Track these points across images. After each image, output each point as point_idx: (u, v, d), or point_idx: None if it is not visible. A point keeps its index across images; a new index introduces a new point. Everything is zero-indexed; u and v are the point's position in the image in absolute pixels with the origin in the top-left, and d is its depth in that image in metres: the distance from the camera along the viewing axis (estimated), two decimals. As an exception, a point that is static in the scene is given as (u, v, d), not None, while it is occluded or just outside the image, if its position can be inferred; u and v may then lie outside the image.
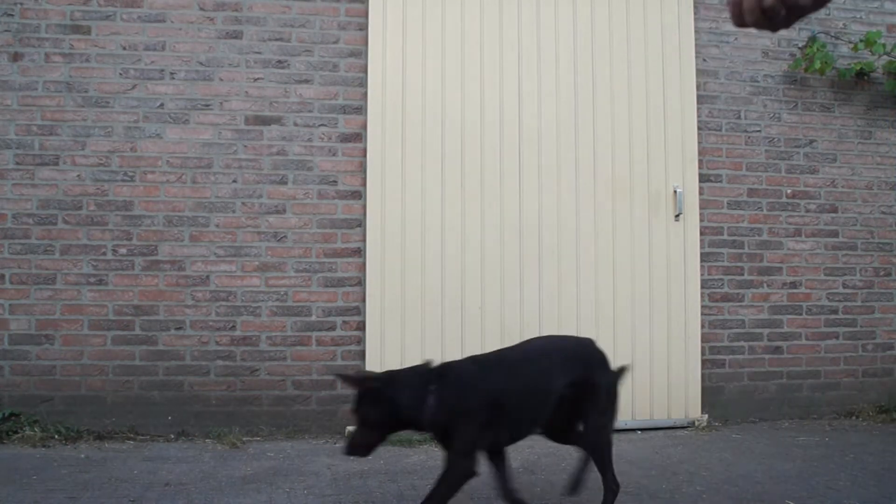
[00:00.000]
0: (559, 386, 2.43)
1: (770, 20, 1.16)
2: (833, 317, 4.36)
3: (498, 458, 2.50)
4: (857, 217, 4.43)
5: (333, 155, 3.91)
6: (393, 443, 3.59)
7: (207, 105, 3.83)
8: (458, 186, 3.95)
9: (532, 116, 4.03)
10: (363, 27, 3.94)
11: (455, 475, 2.27)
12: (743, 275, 4.26)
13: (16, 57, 3.71)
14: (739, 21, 1.19)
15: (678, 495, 2.79)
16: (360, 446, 2.27)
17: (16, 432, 3.51)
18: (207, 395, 3.75)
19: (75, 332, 3.68)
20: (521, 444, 3.65)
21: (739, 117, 4.30)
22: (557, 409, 2.44)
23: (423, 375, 2.32)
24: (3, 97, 3.70)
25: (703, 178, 4.21)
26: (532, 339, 2.80)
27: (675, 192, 4.09)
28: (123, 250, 3.73)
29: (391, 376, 2.35)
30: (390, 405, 2.22)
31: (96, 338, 3.69)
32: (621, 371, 2.61)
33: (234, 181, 3.83)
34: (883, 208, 4.47)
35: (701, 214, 4.19)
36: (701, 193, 4.20)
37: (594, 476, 2.47)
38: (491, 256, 3.95)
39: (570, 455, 3.43)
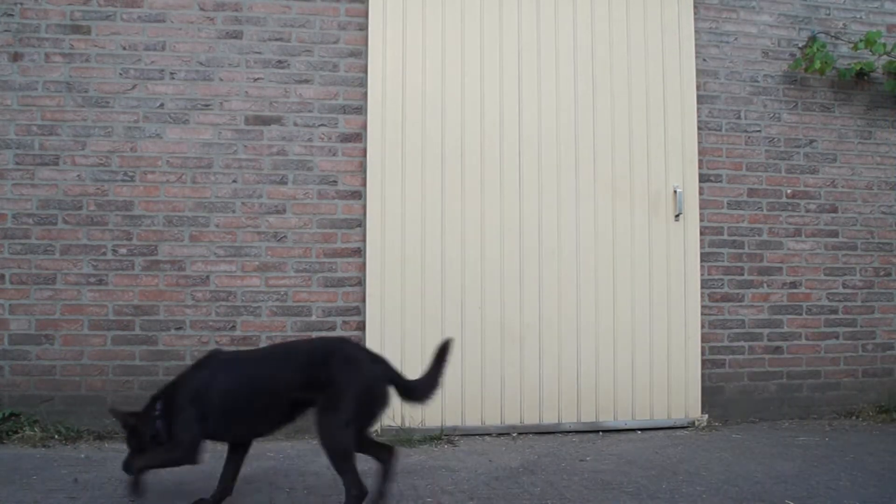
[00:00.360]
0: (289, 387, 2.42)
1: None
2: (833, 317, 4.36)
3: (237, 452, 2.61)
4: (857, 217, 4.43)
5: (333, 155, 3.91)
6: (393, 442, 3.59)
7: (207, 105, 3.83)
8: (458, 186, 3.95)
9: (532, 116, 4.03)
10: (363, 27, 3.94)
11: (167, 454, 2.49)
12: (743, 275, 4.26)
13: (16, 57, 3.71)
14: None
15: (678, 495, 2.79)
16: (131, 467, 2.54)
17: (16, 432, 3.51)
18: (207, 395, 3.74)
19: (75, 332, 3.68)
20: (521, 444, 3.67)
21: (739, 117, 4.30)
22: (295, 409, 2.46)
23: (152, 402, 2.56)
24: (3, 97, 3.70)
25: (703, 178, 4.21)
26: (281, 343, 2.88)
27: (675, 192, 4.09)
28: (123, 250, 3.73)
29: (143, 410, 2.57)
30: (140, 437, 2.52)
31: (96, 338, 3.69)
32: (380, 370, 2.50)
33: (234, 181, 3.83)
34: (883, 208, 4.47)
35: (701, 214, 4.19)
36: (701, 193, 4.20)
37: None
38: (491, 256, 3.95)
39: (569, 455, 3.44)
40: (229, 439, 2.58)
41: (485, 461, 3.32)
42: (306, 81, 3.91)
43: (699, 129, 4.20)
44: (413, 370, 3.81)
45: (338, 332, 3.84)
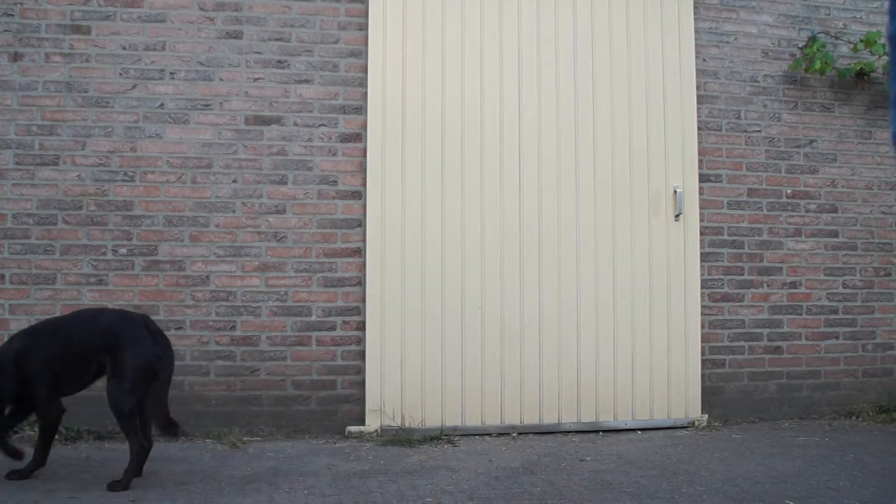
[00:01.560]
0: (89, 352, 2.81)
1: None
2: (833, 317, 4.36)
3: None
4: (857, 217, 4.43)
5: (333, 155, 3.91)
6: (393, 443, 3.60)
7: (207, 105, 3.83)
8: (458, 186, 3.95)
9: (532, 116, 4.03)
10: (363, 27, 3.94)
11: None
12: (743, 275, 4.26)
13: (16, 57, 3.71)
14: None
15: (678, 495, 2.79)
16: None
17: (16, 432, 3.50)
18: (207, 395, 3.75)
19: (75, 332, 3.67)
20: (521, 444, 3.67)
21: (739, 117, 4.30)
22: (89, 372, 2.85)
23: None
24: (3, 97, 3.69)
25: (703, 178, 4.21)
26: (80, 311, 3.09)
27: (675, 192, 4.09)
28: (123, 250, 3.73)
29: None
30: None
31: (96, 338, 3.68)
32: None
33: (234, 181, 3.83)
34: (883, 208, 4.47)
35: (701, 214, 4.18)
36: (701, 193, 4.20)
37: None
38: (491, 256, 3.95)
39: (569, 455, 3.44)
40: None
41: (485, 461, 3.32)
42: (306, 81, 3.91)
43: (699, 129, 4.20)
44: (413, 370, 3.83)
45: (338, 332, 3.84)
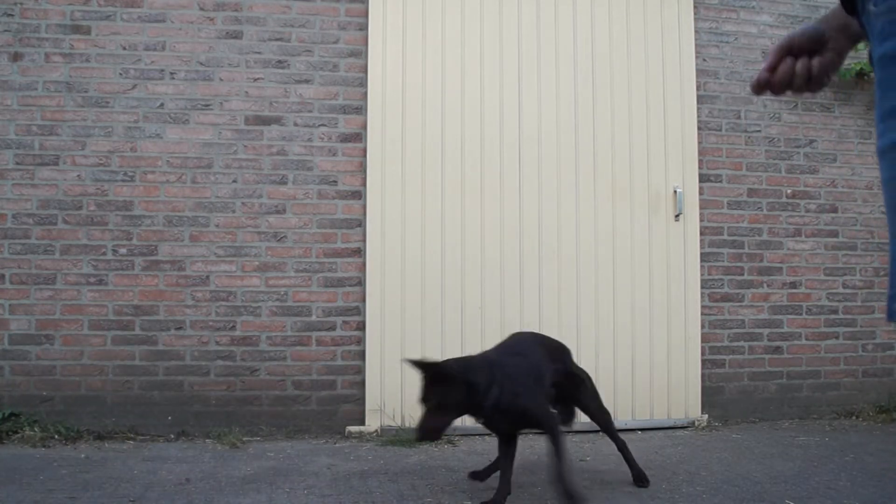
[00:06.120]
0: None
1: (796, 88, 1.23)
2: (833, 317, 4.36)
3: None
4: (857, 217, 4.43)
5: (333, 155, 3.91)
6: (393, 443, 3.59)
7: (207, 105, 3.83)
8: (458, 186, 3.95)
9: (532, 116, 4.03)
10: (363, 27, 3.94)
11: None
12: (743, 275, 4.26)
13: (16, 57, 3.72)
14: (759, 91, 1.25)
15: (678, 495, 2.79)
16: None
17: (16, 432, 3.51)
18: (207, 395, 3.75)
19: (75, 332, 3.68)
20: (521, 444, 3.66)
21: (739, 117, 4.30)
22: None
23: None
24: (3, 97, 3.70)
25: (703, 178, 4.21)
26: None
27: (675, 192, 4.09)
28: (123, 250, 3.74)
29: None
30: None
31: (96, 338, 3.69)
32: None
33: (234, 181, 3.83)
34: (883, 208, 4.45)
35: (701, 214, 4.19)
36: (701, 193, 4.20)
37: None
38: (491, 256, 3.95)
39: (570, 455, 3.44)
40: None
41: (485, 461, 3.31)
42: (306, 81, 3.91)
43: (699, 129, 4.20)
44: (413, 370, 3.82)
45: (338, 332, 3.85)
